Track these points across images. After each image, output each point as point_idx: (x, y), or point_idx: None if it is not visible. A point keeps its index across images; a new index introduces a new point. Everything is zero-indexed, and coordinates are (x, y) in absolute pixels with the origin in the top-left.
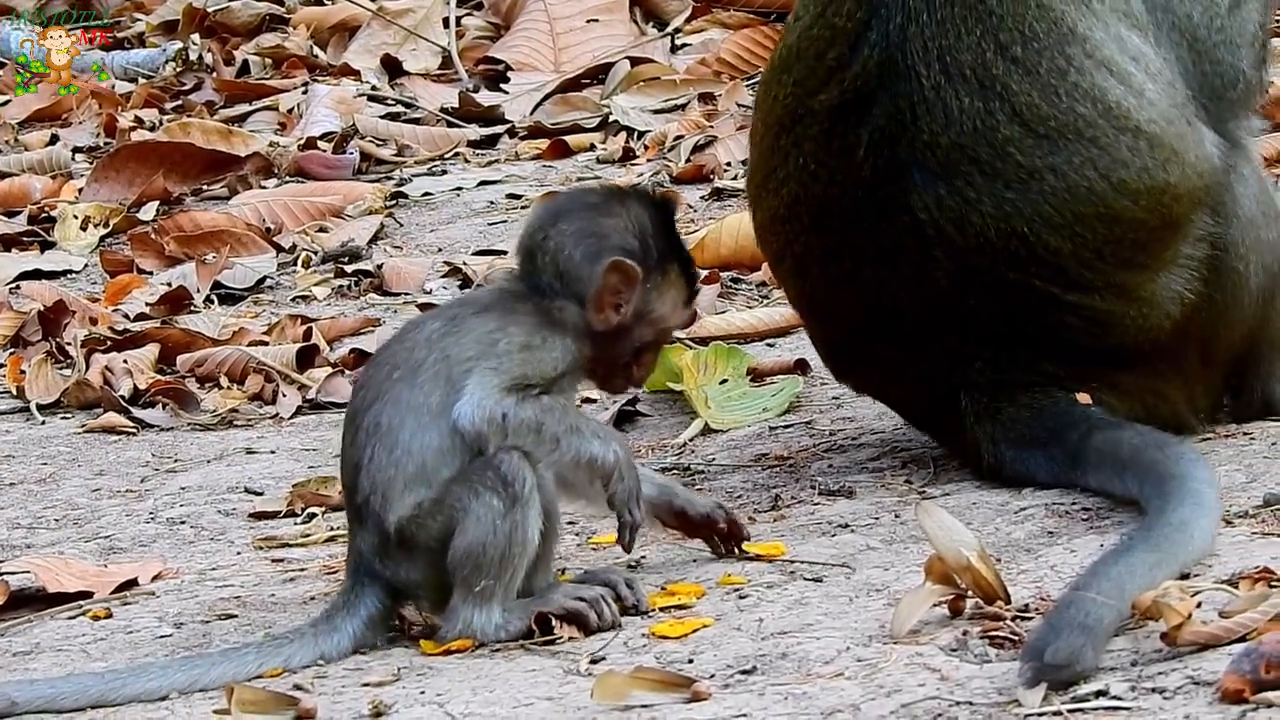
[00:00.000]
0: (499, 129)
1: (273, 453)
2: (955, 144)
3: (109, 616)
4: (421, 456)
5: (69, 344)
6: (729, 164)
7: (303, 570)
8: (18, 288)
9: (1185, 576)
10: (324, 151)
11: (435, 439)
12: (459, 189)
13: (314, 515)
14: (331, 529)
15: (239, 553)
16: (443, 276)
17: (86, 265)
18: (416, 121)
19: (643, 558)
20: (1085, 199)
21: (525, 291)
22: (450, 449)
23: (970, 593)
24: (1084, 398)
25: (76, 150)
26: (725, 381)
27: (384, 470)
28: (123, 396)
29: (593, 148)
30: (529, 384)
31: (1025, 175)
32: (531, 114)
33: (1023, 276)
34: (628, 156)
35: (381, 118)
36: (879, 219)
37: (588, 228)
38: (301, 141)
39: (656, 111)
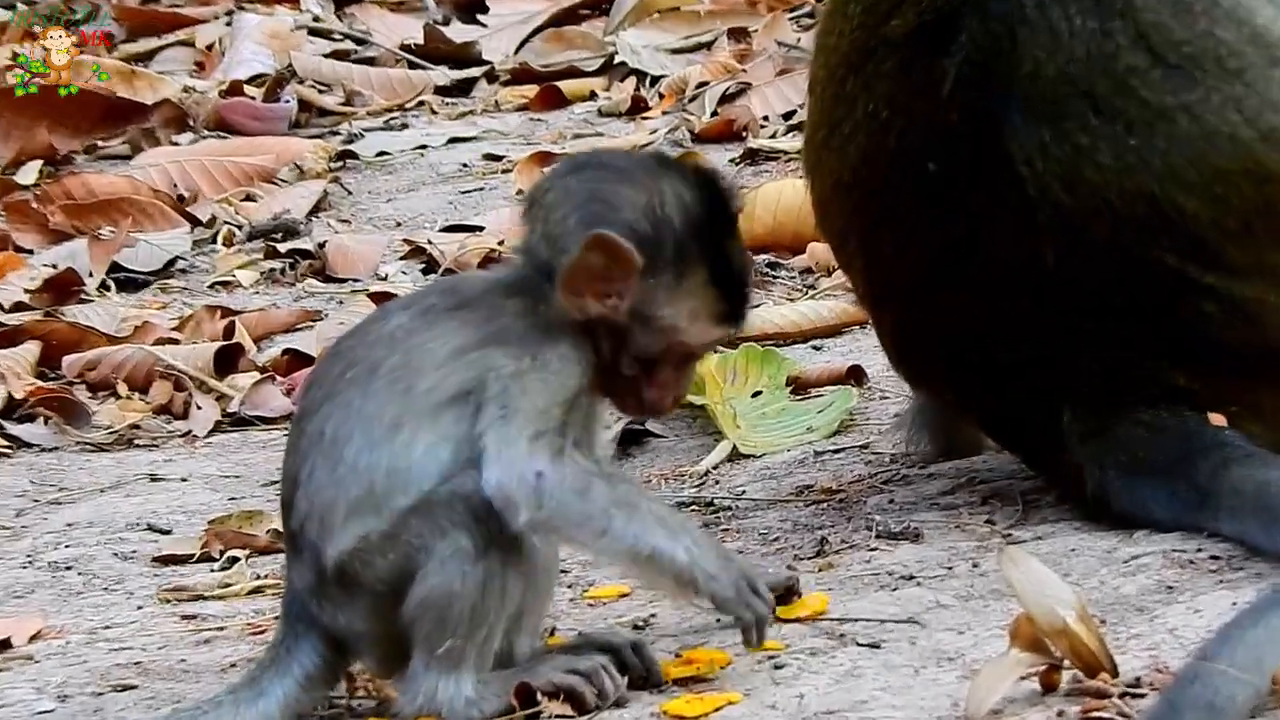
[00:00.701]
0: (474, 72)
1: (184, 480)
2: (1064, 75)
3: None
4: (369, 478)
5: None
6: (766, 118)
7: (221, 630)
8: None
9: None
10: (252, 99)
11: (386, 458)
12: (423, 148)
13: (235, 560)
14: (257, 577)
15: (140, 607)
16: (401, 259)
17: None
18: (370, 61)
19: (652, 616)
20: (1228, 150)
21: (519, 278)
22: (406, 472)
23: (1067, 663)
24: (1218, 419)
25: None
26: (759, 393)
27: (324, 490)
28: None
29: (593, 96)
30: (553, 426)
31: (1152, 117)
32: (516, 53)
33: (1150, 250)
34: (638, 108)
35: (325, 56)
36: (967, 175)
37: (597, 190)
38: (224, 86)
39: (675, 51)
